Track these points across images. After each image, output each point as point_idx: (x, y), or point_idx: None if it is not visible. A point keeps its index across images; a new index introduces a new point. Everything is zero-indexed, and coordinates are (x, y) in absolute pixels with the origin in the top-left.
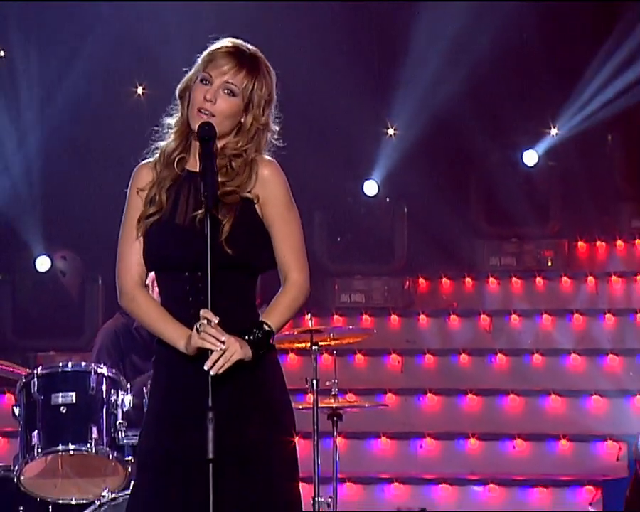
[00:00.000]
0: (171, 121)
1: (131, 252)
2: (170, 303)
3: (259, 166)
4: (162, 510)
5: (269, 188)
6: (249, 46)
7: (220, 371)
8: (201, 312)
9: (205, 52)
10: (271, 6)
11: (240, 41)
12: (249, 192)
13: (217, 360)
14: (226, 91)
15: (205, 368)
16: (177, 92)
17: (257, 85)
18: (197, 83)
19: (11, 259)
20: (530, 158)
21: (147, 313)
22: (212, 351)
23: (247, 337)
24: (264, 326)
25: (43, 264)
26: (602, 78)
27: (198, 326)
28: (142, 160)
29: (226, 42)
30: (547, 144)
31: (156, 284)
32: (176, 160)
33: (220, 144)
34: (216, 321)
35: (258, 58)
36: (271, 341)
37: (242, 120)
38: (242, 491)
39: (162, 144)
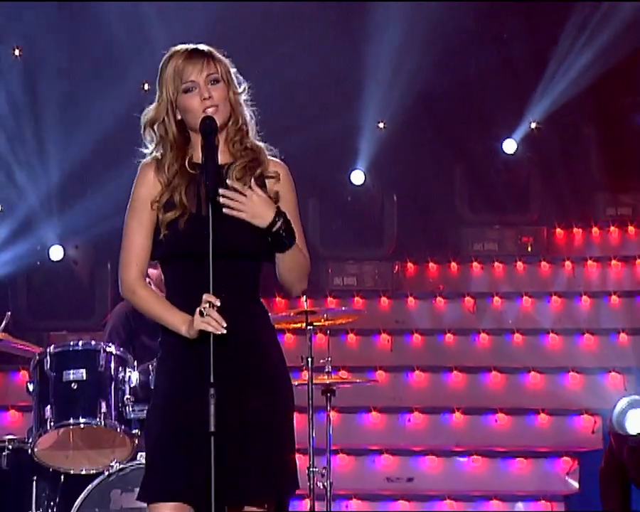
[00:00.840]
0: (149, 148)
1: (135, 248)
2: (190, 291)
3: (275, 167)
4: (171, 477)
5: (285, 188)
6: (192, 44)
7: (234, 212)
8: (204, 296)
9: (167, 72)
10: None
11: (184, 45)
12: (266, 172)
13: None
14: (212, 82)
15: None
16: (146, 122)
17: (222, 65)
18: (183, 96)
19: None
20: (510, 146)
21: (148, 304)
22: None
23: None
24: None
25: (56, 253)
26: (573, 69)
27: (202, 309)
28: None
29: (180, 51)
30: (525, 135)
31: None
32: (187, 162)
33: (222, 137)
34: (218, 304)
35: (205, 47)
36: (288, 243)
37: (230, 97)
38: (243, 460)
39: (151, 153)
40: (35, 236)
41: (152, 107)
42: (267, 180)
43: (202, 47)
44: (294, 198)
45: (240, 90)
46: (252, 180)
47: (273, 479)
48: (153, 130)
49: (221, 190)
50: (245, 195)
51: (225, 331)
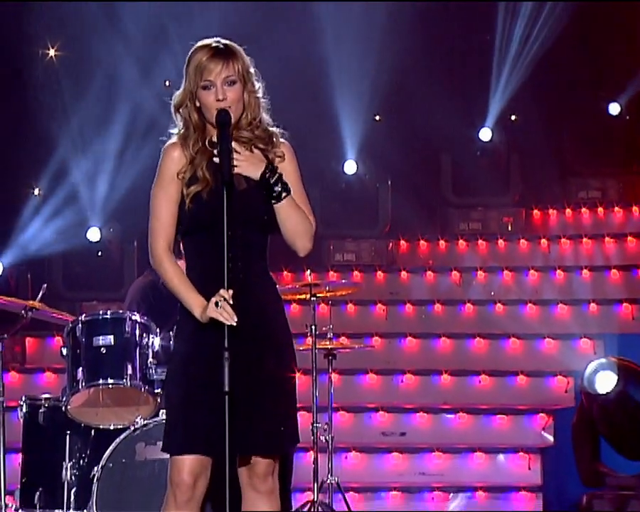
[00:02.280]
0: (174, 131)
1: (163, 221)
2: (206, 259)
3: (282, 147)
4: (192, 432)
5: (289, 164)
6: (221, 40)
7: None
8: (220, 291)
9: (191, 66)
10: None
11: (211, 40)
12: (275, 153)
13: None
14: (228, 83)
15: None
16: (174, 105)
17: (242, 66)
18: (202, 91)
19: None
20: (485, 134)
21: (172, 279)
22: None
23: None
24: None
25: (94, 234)
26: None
27: (218, 301)
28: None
29: (205, 48)
30: (505, 126)
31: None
32: (207, 143)
33: (234, 129)
34: (231, 302)
35: (231, 46)
36: (282, 193)
37: (244, 97)
38: (254, 417)
39: (176, 133)
40: (75, 217)
41: (179, 92)
42: (272, 155)
43: (225, 45)
44: (297, 169)
45: (255, 88)
46: (253, 148)
47: (279, 434)
48: (180, 112)
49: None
50: (239, 154)
51: (235, 323)
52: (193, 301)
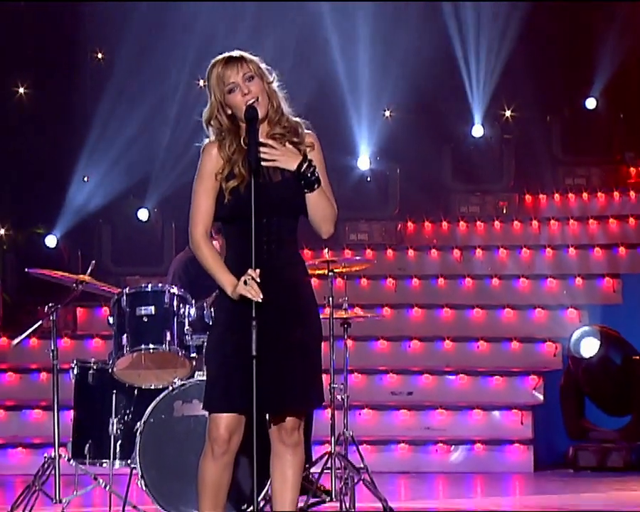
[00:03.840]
0: (211, 137)
1: (202, 210)
2: (244, 244)
3: (309, 138)
4: (229, 393)
5: (317, 153)
6: (231, 52)
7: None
8: (249, 271)
9: (213, 79)
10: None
11: (221, 55)
12: (304, 143)
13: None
14: (248, 79)
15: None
16: (205, 120)
17: (253, 64)
18: (228, 96)
19: (112, 205)
20: (477, 130)
21: (208, 261)
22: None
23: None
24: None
25: (143, 214)
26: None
27: (246, 279)
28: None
29: (219, 61)
30: (503, 121)
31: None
32: (242, 142)
33: (264, 124)
34: (258, 280)
35: (240, 52)
36: (315, 184)
37: (266, 88)
38: (283, 379)
39: (212, 136)
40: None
41: (206, 108)
42: (303, 147)
43: (235, 53)
44: (322, 159)
45: (271, 79)
46: (287, 143)
47: (305, 394)
48: (211, 125)
49: (261, 148)
50: (277, 149)
51: (260, 300)
52: (225, 280)
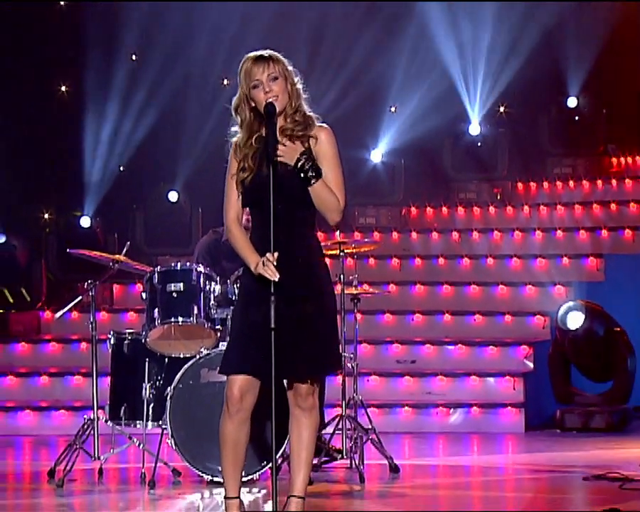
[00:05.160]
0: (235, 128)
1: (232, 199)
2: (260, 228)
3: (317, 131)
4: (245, 358)
5: (324, 145)
6: (262, 51)
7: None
8: (267, 255)
9: (242, 73)
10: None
11: (254, 52)
12: (312, 138)
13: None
14: (272, 79)
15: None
16: (233, 108)
17: (280, 65)
18: (253, 91)
19: (144, 193)
20: (474, 128)
21: (238, 242)
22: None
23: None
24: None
25: (173, 196)
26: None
27: (264, 261)
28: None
29: (250, 57)
30: (497, 117)
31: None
32: (254, 140)
33: (281, 118)
34: (274, 263)
35: (270, 52)
36: (312, 179)
37: (288, 89)
38: (299, 348)
39: (235, 132)
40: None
41: (235, 97)
42: (310, 140)
43: (265, 53)
44: (333, 152)
45: (295, 81)
46: (287, 139)
47: (318, 362)
48: (238, 113)
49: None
50: (285, 146)
51: (277, 279)
52: (251, 259)
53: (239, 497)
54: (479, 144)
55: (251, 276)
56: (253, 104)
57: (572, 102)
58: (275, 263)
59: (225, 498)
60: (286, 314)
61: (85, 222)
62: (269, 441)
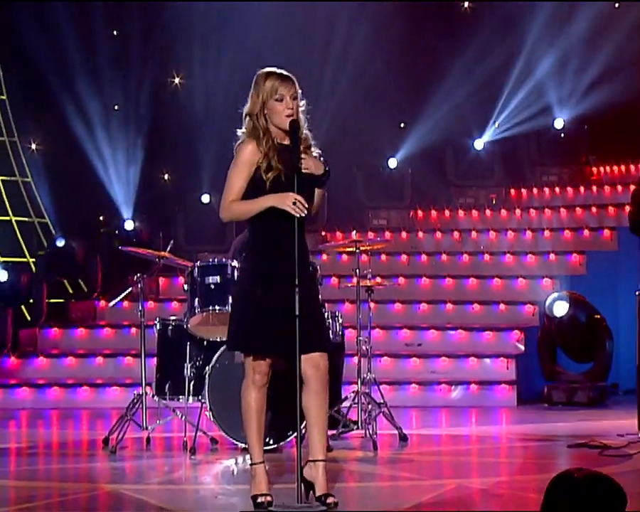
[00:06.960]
0: (245, 129)
1: (236, 188)
2: (276, 221)
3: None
4: (258, 337)
5: (309, 157)
6: (282, 71)
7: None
8: (295, 195)
9: (267, 85)
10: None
11: (276, 69)
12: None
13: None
14: (294, 98)
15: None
16: (247, 112)
17: (297, 88)
18: (274, 102)
19: (184, 196)
20: (479, 144)
21: (241, 206)
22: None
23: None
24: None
25: (206, 198)
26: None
27: (294, 201)
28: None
29: (276, 73)
30: (492, 134)
31: None
32: (275, 142)
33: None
34: (306, 205)
35: (290, 74)
36: (326, 182)
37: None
38: (312, 327)
39: (242, 134)
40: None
41: (249, 103)
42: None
43: (287, 73)
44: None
45: (301, 104)
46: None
47: (322, 339)
48: (250, 117)
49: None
50: (307, 159)
51: (303, 214)
52: (264, 199)
53: (264, 462)
54: (478, 155)
55: (260, 261)
56: (266, 112)
57: (558, 123)
58: (306, 205)
59: (252, 464)
60: (286, 298)
61: (129, 225)
62: (285, 417)
